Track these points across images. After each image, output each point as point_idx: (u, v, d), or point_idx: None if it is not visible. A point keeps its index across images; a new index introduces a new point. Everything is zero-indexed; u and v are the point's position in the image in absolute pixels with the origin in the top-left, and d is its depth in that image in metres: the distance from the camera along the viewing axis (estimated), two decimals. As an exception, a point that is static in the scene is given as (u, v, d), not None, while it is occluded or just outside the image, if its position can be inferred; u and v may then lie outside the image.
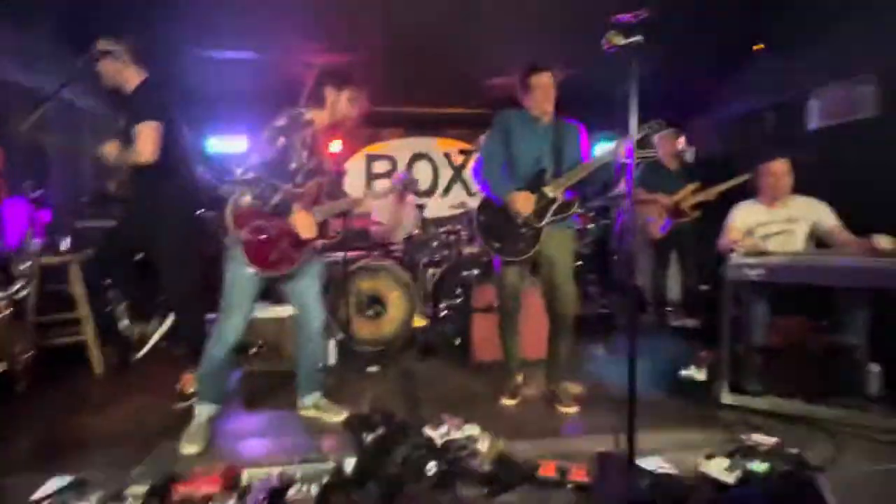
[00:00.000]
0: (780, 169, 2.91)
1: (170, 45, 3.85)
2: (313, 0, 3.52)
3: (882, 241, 2.48)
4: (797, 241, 2.91)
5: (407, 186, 2.73)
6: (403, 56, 4.36)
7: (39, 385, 2.82)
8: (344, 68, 2.35)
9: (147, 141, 2.40)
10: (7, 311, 2.51)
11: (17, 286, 2.58)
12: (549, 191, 2.52)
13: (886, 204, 3.06)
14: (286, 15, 3.68)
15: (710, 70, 4.71)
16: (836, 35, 3.67)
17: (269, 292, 2.67)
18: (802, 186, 2.98)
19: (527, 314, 3.13)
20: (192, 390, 2.53)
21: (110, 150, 2.50)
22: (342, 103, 2.32)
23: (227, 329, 2.24)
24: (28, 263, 2.72)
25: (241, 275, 2.22)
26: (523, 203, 2.48)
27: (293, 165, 2.23)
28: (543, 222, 2.52)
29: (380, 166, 5.84)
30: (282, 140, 2.17)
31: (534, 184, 2.54)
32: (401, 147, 5.86)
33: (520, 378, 2.81)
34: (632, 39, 1.76)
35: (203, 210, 3.00)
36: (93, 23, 2.90)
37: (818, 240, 2.91)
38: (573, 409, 2.58)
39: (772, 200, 2.98)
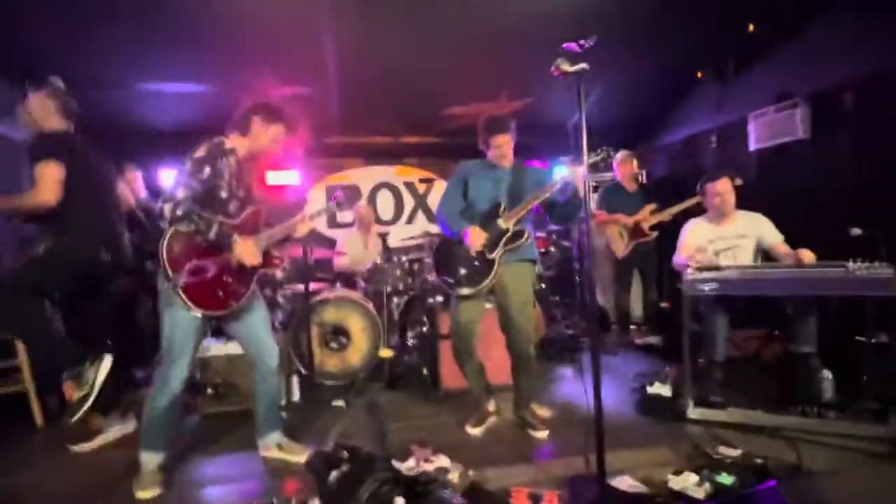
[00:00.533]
0: (723, 187, 3.06)
1: (117, 78, 3.78)
2: (271, 34, 3.51)
3: (806, 256, 2.68)
4: (746, 256, 3.04)
5: (341, 205, 2.68)
6: (363, 87, 4.41)
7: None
8: (282, 107, 2.29)
9: (47, 181, 2.21)
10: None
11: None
12: (501, 223, 2.54)
13: (817, 217, 3.27)
14: (243, 48, 3.67)
15: (655, 96, 4.97)
16: (771, 62, 3.96)
17: (219, 329, 2.54)
18: (746, 204, 3.14)
19: (492, 340, 3.12)
20: (79, 394, 2.25)
21: None
22: (265, 137, 2.24)
23: (173, 376, 2.11)
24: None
25: (182, 319, 2.08)
26: (475, 235, 2.50)
27: (223, 195, 2.14)
28: (495, 253, 2.53)
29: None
30: (207, 170, 2.06)
31: (488, 219, 2.57)
32: (363, 176, 5.85)
33: (490, 406, 2.77)
34: (578, 67, 1.83)
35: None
36: (28, 57, 2.81)
37: (764, 254, 3.05)
38: (544, 434, 2.56)
39: (719, 217, 3.11)
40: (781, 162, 3.87)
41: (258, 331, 2.34)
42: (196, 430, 2.83)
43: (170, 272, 2.01)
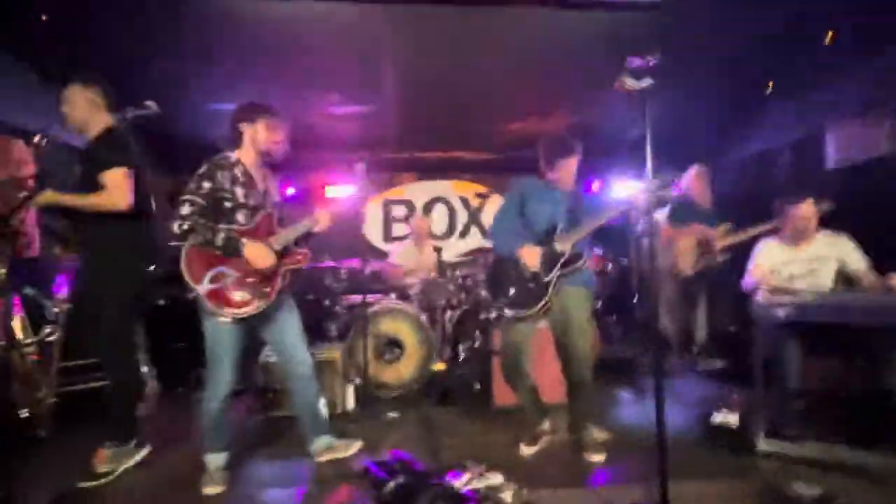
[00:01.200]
0: (807, 212, 2.83)
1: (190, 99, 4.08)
2: (328, 54, 3.68)
3: None
4: (825, 281, 2.82)
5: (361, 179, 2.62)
6: (418, 102, 4.52)
7: (62, 429, 2.81)
8: (254, 102, 2.35)
9: (122, 187, 2.29)
10: (34, 356, 2.54)
11: (48, 330, 2.63)
12: (558, 245, 2.49)
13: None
14: (302, 68, 3.86)
15: (724, 109, 4.76)
16: (850, 73, 3.71)
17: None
18: (825, 223, 2.92)
19: (544, 358, 3.08)
20: (104, 469, 2.34)
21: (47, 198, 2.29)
22: (261, 133, 2.31)
23: (218, 381, 2.24)
24: (57, 309, 2.78)
25: (215, 325, 2.21)
26: (530, 256, 2.46)
27: (227, 205, 2.23)
28: (551, 276, 2.48)
29: (397, 210, 5.93)
30: (207, 185, 2.18)
31: (544, 239, 2.53)
32: (417, 191, 5.97)
33: (546, 425, 2.71)
34: (643, 84, 1.79)
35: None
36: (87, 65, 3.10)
37: (845, 280, 2.82)
38: (600, 458, 2.47)
39: (796, 240, 2.91)
40: (865, 179, 3.59)
41: (288, 339, 2.42)
42: (258, 433, 2.95)
43: (192, 283, 2.14)
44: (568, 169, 2.53)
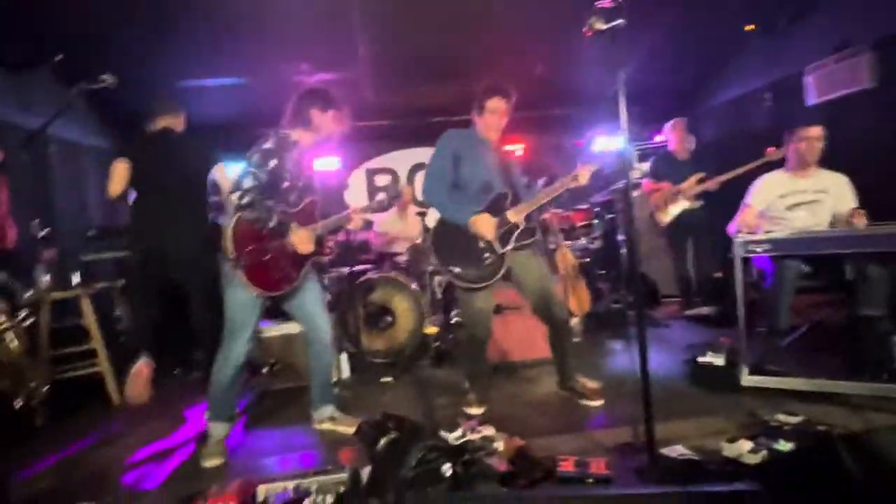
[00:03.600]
0: (816, 133, 2.87)
1: (161, 76, 3.95)
2: (304, 22, 3.57)
3: (858, 219, 2.63)
4: (825, 214, 2.88)
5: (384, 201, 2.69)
6: (396, 70, 4.42)
7: (59, 418, 2.84)
8: (327, 89, 2.39)
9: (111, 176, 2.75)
10: (19, 343, 2.53)
11: (23, 314, 2.61)
12: (511, 216, 2.46)
13: (888, 172, 3.02)
14: (277, 39, 3.75)
15: (701, 55, 4.70)
16: (828, 8, 3.66)
17: (276, 310, 2.67)
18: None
19: (510, 317, 3.19)
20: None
21: None
22: (328, 123, 2.36)
23: (234, 351, 2.27)
24: (30, 293, 2.76)
25: (242, 298, 2.24)
26: (485, 226, 2.42)
27: (285, 185, 2.27)
28: (507, 248, 2.46)
29: (381, 179, 5.87)
30: (273, 162, 2.20)
31: (494, 208, 2.48)
32: (400, 158, 5.90)
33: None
34: (614, 23, 1.75)
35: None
36: (82, 61, 3.00)
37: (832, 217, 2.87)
38: (597, 402, 2.52)
39: (801, 168, 2.93)
40: (846, 114, 3.58)
41: (312, 311, 2.46)
42: (253, 406, 2.98)
43: (233, 254, 2.17)
44: (495, 111, 2.46)
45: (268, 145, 2.22)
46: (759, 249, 2.48)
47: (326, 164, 5.13)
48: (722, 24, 4.21)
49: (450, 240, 2.52)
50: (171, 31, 3.44)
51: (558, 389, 2.72)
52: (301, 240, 2.25)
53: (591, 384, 2.65)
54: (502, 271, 2.48)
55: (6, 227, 2.74)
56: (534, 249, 2.57)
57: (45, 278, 2.87)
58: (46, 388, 2.78)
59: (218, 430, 2.31)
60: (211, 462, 2.22)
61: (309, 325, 2.48)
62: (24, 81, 3.37)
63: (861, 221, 2.61)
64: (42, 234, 3.04)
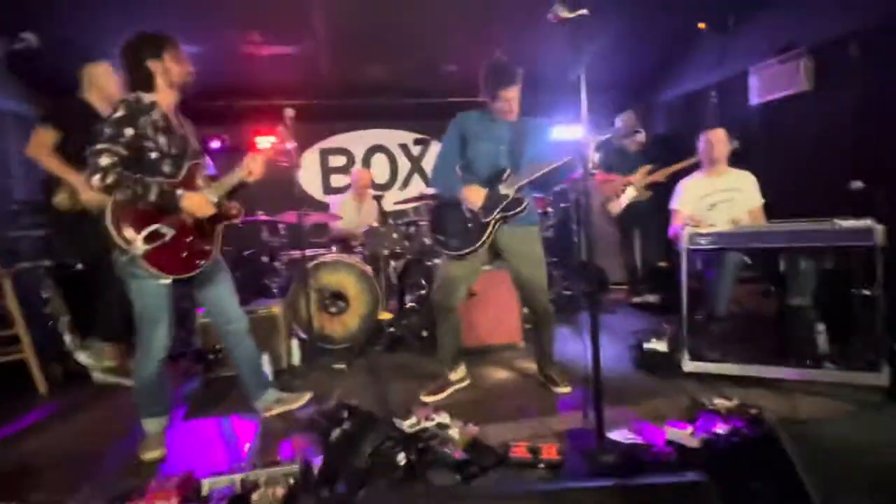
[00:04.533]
0: (716, 136, 3.15)
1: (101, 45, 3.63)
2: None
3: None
4: (741, 209, 3.09)
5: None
6: (352, 46, 4.26)
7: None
8: (152, 33, 2.05)
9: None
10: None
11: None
12: (502, 188, 2.48)
13: (819, 171, 3.24)
14: (228, 8, 3.52)
15: (655, 51, 4.82)
16: (773, 12, 3.83)
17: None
18: (748, 159, 3.11)
19: (490, 301, 3.20)
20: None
21: None
22: (172, 69, 2.04)
23: (153, 343, 2.07)
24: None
25: (150, 287, 2.01)
26: (474, 195, 2.43)
27: (153, 155, 1.99)
28: (491, 217, 2.47)
29: (336, 160, 5.70)
30: (129, 131, 1.91)
31: (489, 182, 2.50)
32: (355, 140, 5.74)
33: (454, 374, 2.71)
34: (577, 13, 1.75)
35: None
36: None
37: None
38: (567, 389, 2.59)
39: (712, 168, 3.19)
40: (784, 115, 3.79)
41: (224, 295, 2.31)
42: (197, 395, 2.86)
43: (124, 244, 1.92)
44: (508, 99, 2.43)
45: (118, 114, 1.91)
46: (703, 242, 2.62)
47: (272, 142, 4.92)
48: (675, 21, 4.32)
49: (443, 213, 2.59)
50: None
51: (536, 373, 2.79)
52: (195, 204, 2.01)
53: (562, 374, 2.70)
54: (483, 240, 2.47)
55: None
56: (531, 232, 2.57)
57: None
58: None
59: (152, 426, 2.16)
60: (149, 455, 2.09)
61: (220, 315, 2.31)
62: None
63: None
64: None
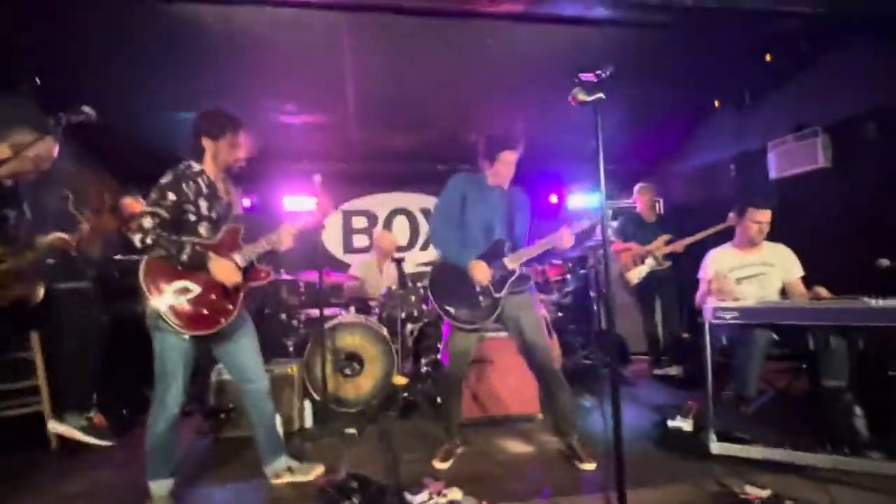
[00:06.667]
0: (766, 217, 3.00)
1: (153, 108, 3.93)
2: (292, 62, 3.62)
3: (822, 293, 2.72)
4: (773, 285, 3.00)
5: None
6: (380, 114, 4.50)
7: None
8: (220, 114, 2.24)
9: None
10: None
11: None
12: (508, 262, 2.53)
13: (841, 248, 3.20)
14: (264, 75, 3.78)
15: (672, 124, 4.97)
16: (790, 91, 3.96)
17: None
18: (770, 232, 3.08)
19: (505, 369, 3.16)
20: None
21: None
22: (224, 150, 2.23)
23: (168, 400, 2.11)
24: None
25: (172, 342, 2.09)
26: (482, 273, 2.47)
27: (191, 217, 2.15)
28: (502, 293, 2.52)
29: (358, 222, 5.85)
30: (171, 196, 2.08)
31: (491, 254, 2.55)
32: (379, 203, 5.91)
33: (457, 440, 2.71)
34: (594, 96, 1.84)
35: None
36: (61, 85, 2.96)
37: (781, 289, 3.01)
38: (592, 466, 2.46)
39: (747, 245, 3.08)
40: (802, 191, 3.81)
41: (247, 353, 2.33)
42: (208, 455, 2.80)
43: (152, 298, 2.04)
44: (507, 163, 2.53)
45: (165, 180, 2.11)
46: (727, 317, 2.55)
47: (302, 203, 5.11)
48: (694, 96, 4.49)
49: (448, 279, 2.57)
50: (156, 62, 3.43)
51: (555, 447, 2.70)
52: (221, 270, 2.12)
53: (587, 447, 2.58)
54: (494, 315, 2.53)
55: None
56: (529, 298, 2.60)
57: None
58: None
59: (161, 487, 2.14)
60: None
61: (244, 375, 2.34)
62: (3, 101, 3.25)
63: (825, 294, 2.71)
64: None
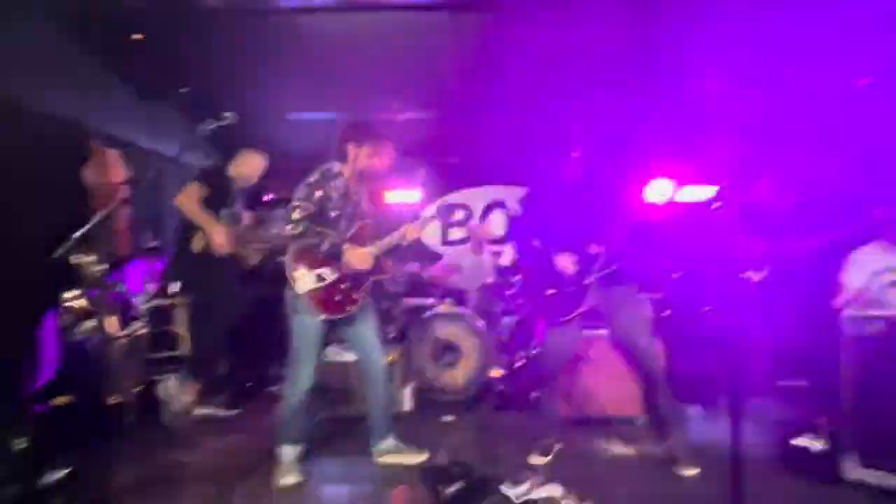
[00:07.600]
0: None
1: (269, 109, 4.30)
2: (390, 60, 3.77)
3: None
4: None
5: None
6: (478, 109, 4.52)
7: (145, 417, 3.01)
8: (366, 124, 2.52)
9: None
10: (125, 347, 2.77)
11: (138, 325, 2.86)
12: (593, 247, 2.46)
13: None
14: (363, 77, 3.98)
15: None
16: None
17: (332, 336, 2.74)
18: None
19: (600, 368, 3.08)
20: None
21: None
22: (362, 158, 2.46)
23: (300, 376, 2.36)
24: (147, 305, 3.02)
25: (306, 323, 2.35)
26: (565, 260, 2.46)
27: (333, 214, 2.40)
28: (588, 279, 2.45)
29: (455, 214, 5.95)
30: (318, 193, 2.35)
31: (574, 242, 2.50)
32: (476, 196, 5.95)
33: (554, 440, 2.59)
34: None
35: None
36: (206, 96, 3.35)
37: None
38: (694, 471, 2.34)
39: None
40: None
41: (367, 340, 2.54)
42: (316, 432, 3.01)
43: (295, 282, 2.31)
44: None
45: (312, 178, 2.38)
46: (869, 328, 2.24)
47: (404, 196, 5.29)
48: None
49: (537, 273, 2.62)
50: (279, 65, 3.75)
51: (658, 453, 2.55)
52: (357, 257, 2.37)
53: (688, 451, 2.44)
54: (582, 305, 2.48)
55: (125, 238, 3.04)
56: (630, 295, 2.51)
57: (151, 287, 3.14)
58: (140, 387, 3.00)
59: (290, 452, 2.37)
60: (286, 479, 2.28)
61: (364, 354, 2.56)
62: (154, 110, 3.78)
63: None
64: (151, 245, 3.35)
